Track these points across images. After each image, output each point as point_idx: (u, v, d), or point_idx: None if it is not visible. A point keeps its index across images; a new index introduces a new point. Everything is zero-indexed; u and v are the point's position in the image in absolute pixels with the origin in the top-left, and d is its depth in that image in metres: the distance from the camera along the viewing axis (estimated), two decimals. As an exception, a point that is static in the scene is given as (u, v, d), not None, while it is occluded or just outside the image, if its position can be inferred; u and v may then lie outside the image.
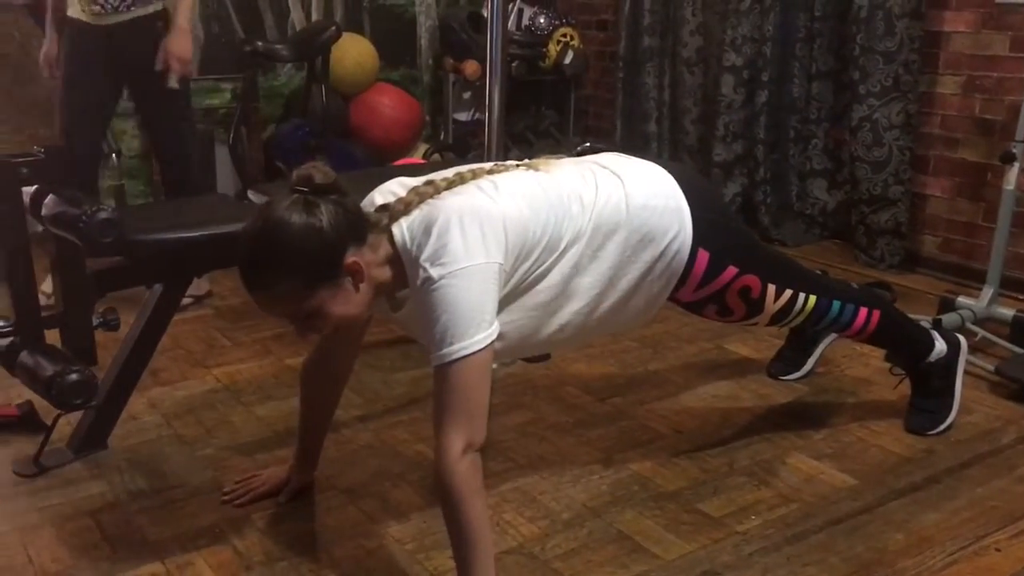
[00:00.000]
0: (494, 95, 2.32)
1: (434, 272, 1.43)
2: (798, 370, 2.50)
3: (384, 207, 1.55)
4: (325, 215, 1.43)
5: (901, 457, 2.10)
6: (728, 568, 1.69)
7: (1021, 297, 3.09)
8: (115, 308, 2.04)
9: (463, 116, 4.84)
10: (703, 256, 1.76)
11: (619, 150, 4.46)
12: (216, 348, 2.74)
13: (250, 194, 2.42)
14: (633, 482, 1.99)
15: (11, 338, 1.92)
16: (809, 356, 2.50)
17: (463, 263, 1.44)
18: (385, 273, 1.54)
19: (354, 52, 4.28)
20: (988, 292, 2.77)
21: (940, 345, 2.17)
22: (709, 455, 2.10)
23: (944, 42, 3.36)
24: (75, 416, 2.08)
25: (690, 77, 4.33)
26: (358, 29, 4.49)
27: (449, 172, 1.62)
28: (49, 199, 1.86)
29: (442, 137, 4.80)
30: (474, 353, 1.42)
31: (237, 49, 4.09)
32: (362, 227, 1.50)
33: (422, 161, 4.30)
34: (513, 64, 4.50)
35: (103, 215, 1.77)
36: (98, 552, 1.74)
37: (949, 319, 2.65)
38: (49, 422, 2.08)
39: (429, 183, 1.57)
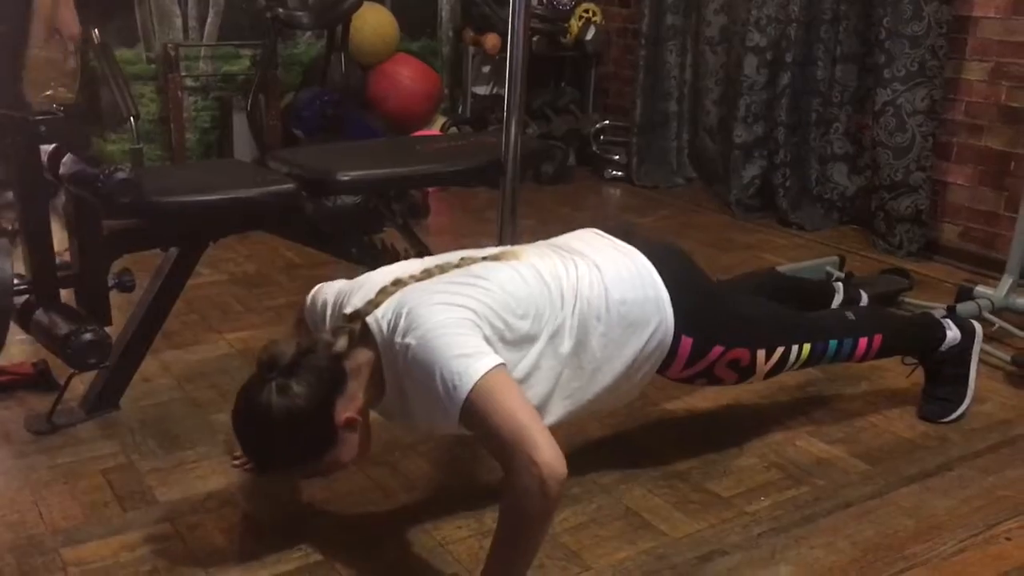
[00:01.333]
0: (514, 69, 2.30)
1: (410, 339, 1.42)
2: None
3: (355, 314, 1.53)
4: (301, 393, 1.43)
5: (913, 444, 2.09)
6: (736, 548, 1.69)
7: (1040, 288, 3.05)
8: (130, 270, 2.04)
9: (482, 90, 4.81)
10: (687, 342, 1.73)
11: (638, 128, 4.40)
12: (230, 313, 2.74)
13: (267, 160, 2.41)
14: (643, 459, 1.98)
15: (27, 296, 1.92)
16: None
17: (434, 321, 1.43)
18: (371, 389, 1.52)
19: (374, 22, 4.25)
20: (1007, 282, 2.74)
21: (953, 334, 2.15)
22: (720, 436, 2.09)
23: (972, 27, 3.31)
24: (88, 376, 2.09)
25: (712, 56, 4.29)
26: (379, -1, 4.46)
27: (416, 269, 1.60)
28: (67, 158, 1.86)
29: (460, 110, 4.77)
30: (482, 378, 1.37)
31: (257, 16, 4.08)
32: (339, 372, 1.48)
33: (439, 133, 4.29)
34: (534, 39, 4.46)
35: (121, 175, 1.77)
36: (108, 510, 1.75)
37: (966, 308, 2.63)
38: (63, 381, 2.10)
39: (396, 282, 1.55)
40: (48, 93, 3.30)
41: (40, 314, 1.91)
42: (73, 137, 1.88)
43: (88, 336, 1.83)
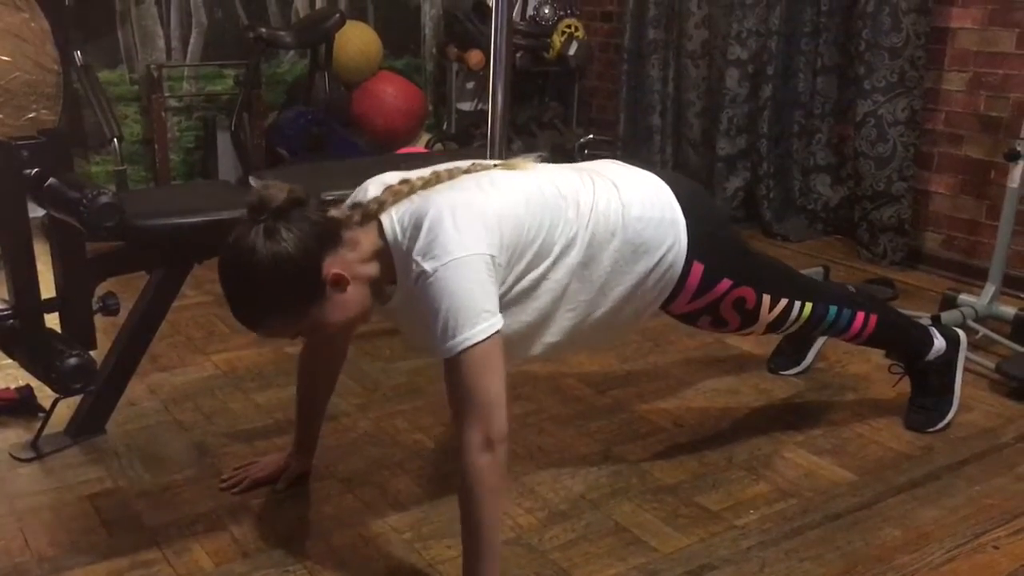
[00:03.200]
0: (498, 85, 2.31)
1: (427, 265, 1.41)
2: (798, 365, 2.49)
3: (358, 204, 1.52)
4: (289, 238, 1.39)
5: (900, 454, 2.09)
6: (726, 562, 1.69)
7: (1022, 295, 3.08)
8: (115, 293, 2.03)
9: (466, 106, 4.83)
10: (697, 269, 1.73)
11: (622, 142, 4.44)
12: (216, 335, 2.74)
13: (251, 180, 2.41)
14: (632, 474, 1.98)
15: (11, 321, 1.91)
16: (809, 351, 2.50)
17: (456, 254, 1.41)
18: (372, 268, 1.51)
19: (357, 40, 4.26)
20: (990, 290, 2.76)
21: (939, 343, 2.17)
22: (708, 449, 2.10)
23: (950, 38, 3.34)
24: (73, 401, 2.08)
25: (695, 70, 4.32)
26: (362, 17, 4.47)
27: (426, 172, 1.58)
28: (50, 182, 1.85)
29: (445, 127, 4.78)
30: (480, 342, 1.39)
31: (240, 35, 4.08)
32: (332, 232, 1.46)
33: (424, 150, 4.29)
34: (517, 54, 4.48)
35: (104, 199, 1.75)
36: (95, 537, 1.73)
37: (950, 316, 2.65)
38: (47, 406, 2.08)
39: (404, 182, 1.54)
40: (30, 116, 3.29)
41: (23, 339, 1.89)
42: (56, 160, 1.88)
43: (73, 360, 1.81)
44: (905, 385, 2.25)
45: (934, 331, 2.19)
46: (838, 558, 1.70)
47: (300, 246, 1.40)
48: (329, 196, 2.19)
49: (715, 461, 2.05)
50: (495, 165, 1.65)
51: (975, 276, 3.18)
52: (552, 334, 1.65)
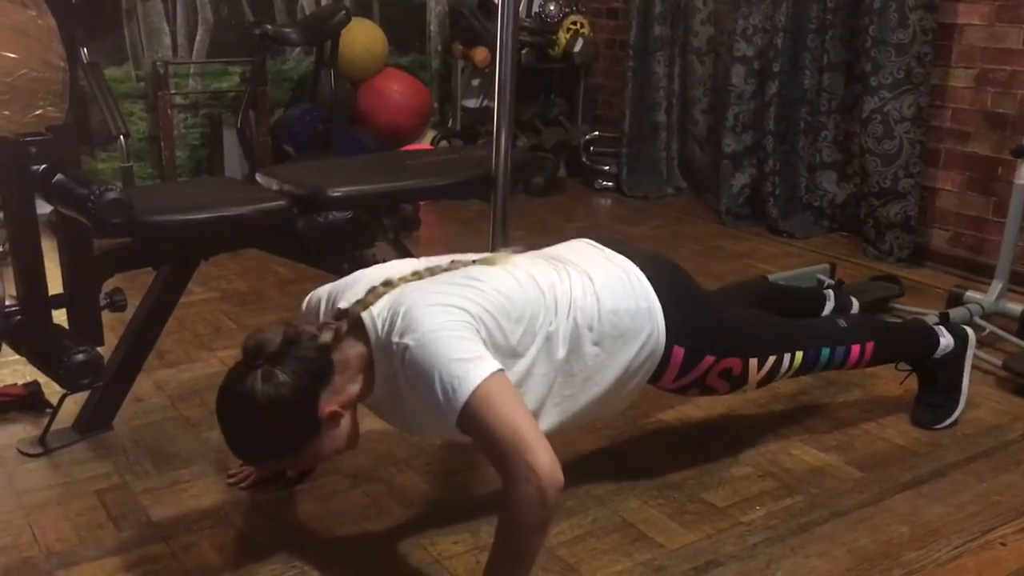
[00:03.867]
0: (503, 82, 2.31)
1: (408, 340, 1.42)
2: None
3: (344, 311, 1.54)
4: (286, 383, 1.41)
5: (907, 450, 2.09)
6: (732, 558, 1.69)
7: (1030, 292, 3.07)
8: (122, 289, 2.04)
9: (472, 103, 4.83)
10: (678, 352, 1.73)
11: (627, 138, 4.42)
12: (222, 331, 2.74)
13: (257, 177, 2.41)
14: (638, 471, 1.98)
15: (18, 317, 1.92)
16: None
17: (433, 324, 1.42)
18: (358, 384, 1.52)
19: (363, 37, 4.26)
20: (997, 287, 2.75)
21: (946, 340, 2.16)
22: (714, 445, 2.10)
23: (957, 34, 3.33)
24: (81, 396, 2.08)
25: (700, 67, 4.32)
26: (367, 14, 4.48)
27: (407, 270, 1.60)
28: (58, 178, 1.86)
29: (450, 124, 4.78)
30: (481, 384, 1.37)
31: (246, 32, 4.09)
32: (325, 364, 1.47)
33: (430, 147, 4.30)
34: (523, 51, 4.48)
35: (112, 195, 1.76)
36: (103, 532, 1.74)
37: (957, 313, 2.64)
38: (55, 402, 2.09)
39: (387, 283, 1.55)
40: (37, 113, 3.30)
41: (31, 335, 1.90)
42: (63, 157, 1.88)
43: (80, 356, 1.82)
44: (912, 382, 2.25)
45: (942, 329, 2.18)
46: (844, 555, 1.70)
47: (297, 390, 1.43)
48: (336, 192, 2.20)
49: (721, 458, 2.05)
50: (473, 262, 1.66)
51: (982, 273, 3.17)
52: (541, 426, 1.60)
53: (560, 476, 1.34)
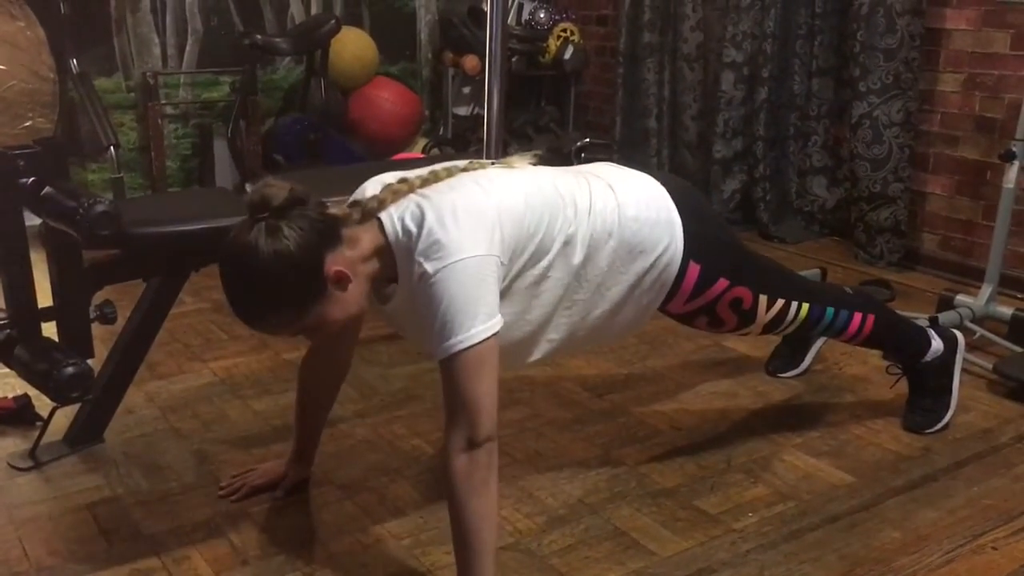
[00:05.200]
0: (494, 90, 2.32)
1: (429, 267, 1.41)
2: (796, 367, 2.50)
3: (357, 202, 1.53)
4: (291, 236, 1.39)
5: (898, 455, 2.10)
6: (725, 565, 1.69)
7: (1020, 296, 3.09)
8: (112, 301, 2.03)
9: (462, 111, 4.83)
10: (694, 269, 1.74)
11: (618, 145, 4.44)
12: (213, 342, 2.73)
13: (248, 187, 2.41)
14: (630, 478, 1.98)
15: (7, 330, 1.91)
16: (807, 353, 2.50)
17: (458, 256, 1.41)
18: (373, 265, 1.50)
19: (353, 46, 4.27)
20: (987, 290, 2.76)
21: (937, 344, 2.17)
22: (706, 452, 2.10)
23: (945, 39, 3.35)
24: (71, 409, 2.07)
25: (690, 73, 4.33)
26: (357, 23, 4.48)
27: (424, 171, 1.58)
28: (46, 191, 1.85)
29: (441, 132, 4.79)
30: (475, 345, 1.40)
31: (236, 42, 4.09)
32: (333, 229, 1.46)
33: (421, 156, 4.30)
34: (513, 59, 4.49)
35: (101, 208, 1.76)
36: (94, 546, 1.73)
37: (947, 317, 2.65)
38: (45, 415, 2.08)
39: (403, 181, 1.54)
40: (27, 124, 3.30)
41: (21, 348, 1.89)
42: (52, 169, 1.88)
43: (70, 369, 1.82)
44: (903, 386, 2.25)
45: (932, 332, 2.19)
46: (837, 561, 1.70)
47: (302, 244, 1.40)
48: (328, 202, 2.19)
49: (713, 464, 2.05)
50: (492, 164, 1.65)
51: (972, 277, 3.19)
52: (551, 333, 1.66)
53: (494, 439, 1.42)
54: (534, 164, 1.69)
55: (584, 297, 1.65)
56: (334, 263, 1.44)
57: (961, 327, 2.60)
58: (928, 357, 2.17)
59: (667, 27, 4.38)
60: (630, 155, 4.56)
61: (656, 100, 4.49)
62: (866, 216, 3.55)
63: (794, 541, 1.76)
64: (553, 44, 4.69)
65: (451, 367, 1.41)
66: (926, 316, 2.65)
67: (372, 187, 1.57)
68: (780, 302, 1.88)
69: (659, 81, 4.46)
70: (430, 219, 1.44)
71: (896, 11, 3.32)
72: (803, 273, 3.09)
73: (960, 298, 2.79)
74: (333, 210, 1.49)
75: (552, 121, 4.87)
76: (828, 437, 2.18)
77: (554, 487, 1.94)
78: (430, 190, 1.51)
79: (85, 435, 2.09)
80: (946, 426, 2.19)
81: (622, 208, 1.65)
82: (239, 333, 2.80)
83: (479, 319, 1.41)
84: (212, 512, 1.84)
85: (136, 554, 1.70)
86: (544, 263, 1.57)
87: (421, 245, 1.43)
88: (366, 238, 1.49)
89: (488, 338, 1.41)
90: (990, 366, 2.45)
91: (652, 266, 1.69)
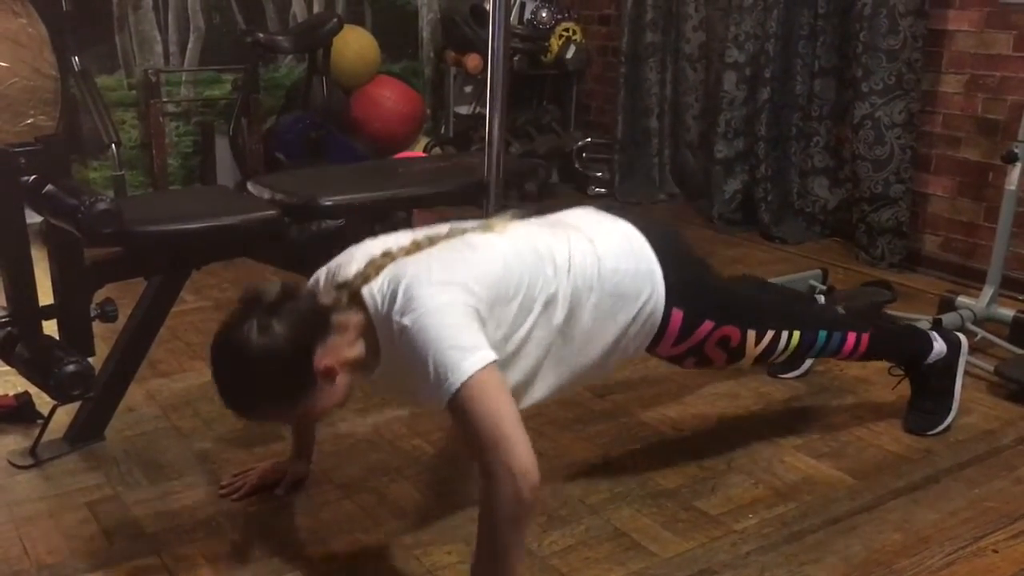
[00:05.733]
0: (496, 89, 2.31)
1: (407, 320, 1.41)
2: (797, 369, 2.49)
3: (344, 283, 1.53)
4: (282, 333, 1.40)
5: (899, 457, 2.09)
6: (725, 567, 1.69)
7: (1021, 297, 3.08)
8: (113, 299, 2.03)
9: (464, 110, 4.83)
10: (677, 315, 1.73)
11: (620, 145, 4.43)
12: (214, 340, 2.73)
13: (249, 186, 2.41)
14: (631, 479, 1.98)
15: (8, 328, 1.91)
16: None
17: (434, 303, 1.42)
18: (358, 349, 1.51)
19: (355, 44, 4.26)
20: (988, 292, 2.76)
21: (939, 346, 2.17)
22: (707, 453, 2.09)
23: (948, 41, 3.35)
24: (72, 407, 2.07)
25: (692, 73, 4.33)
26: (360, 21, 4.48)
27: (406, 241, 1.59)
28: (48, 188, 1.85)
29: (443, 130, 4.78)
30: (473, 375, 1.37)
31: (238, 40, 4.09)
32: (323, 322, 1.46)
33: (423, 154, 4.30)
34: (515, 58, 4.49)
35: (102, 206, 1.75)
36: (94, 544, 1.73)
37: (949, 319, 2.65)
38: (46, 413, 2.08)
39: (386, 254, 1.54)
40: (28, 122, 3.30)
41: (21, 346, 1.89)
42: (53, 166, 1.88)
43: (71, 367, 1.81)
44: (904, 388, 2.25)
45: (935, 335, 2.19)
46: (837, 562, 1.70)
47: (293, 341, 1.41)
48: (328, 201, 2.20)
49: (714, 465, 2.05)
50: (472, 228, 1.66)
51: (973, 278, 3.18)
52: (538, 390, 1.64)
53: (536, 475, 1.35)
54: (516, 219, 1.70)
55: (569, 354, 1.64)
56: (323, 358, 1.45)
57: (962, 329, 2.60)
58: (931, 359, 2.16)
59: (669, 27, 4.38)
60: (632, 155, 4.56)
61: (658, 100, 4.49)
62: (868, 217, 3.55)
63: (795, 542, 1.76)
64: (555, 43, 4.68)
65: (459, 405, 1.38)
66: (928, 318, 2.65)
67: (357, 262, 1.57)
68: (769, 334, 1.87)
69: (661, 81, 4.46)
70: (406, 281, 1.46)
71: (899, 12, 3.32)
72: (804, 274, 3.09)
73: (961, 300, 2.79)
74: (323, 299, 1.49)
75: (554, 120, 4.87)
76: (829, 439, 2.18)
77: (554, 487, 1.94)
78: (410, 259, 1.53)
79: (86, 433, 2.09)
80: (948, 428, 2.19)
81: (601, 261, 1.65)
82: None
83: (468, 352, 1.39)
84: (213, 511, 1.84)
85: (136, 552, 1.70)
86: (527, 325, 1.55)
87: (398, 305, 1.43)
88: (353, 321, 1.50)
89: (485, 366, 1.39)
90: (992, 368, 2.44)
91: (635, 317, 1.69)
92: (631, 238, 1.71)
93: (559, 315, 1.59)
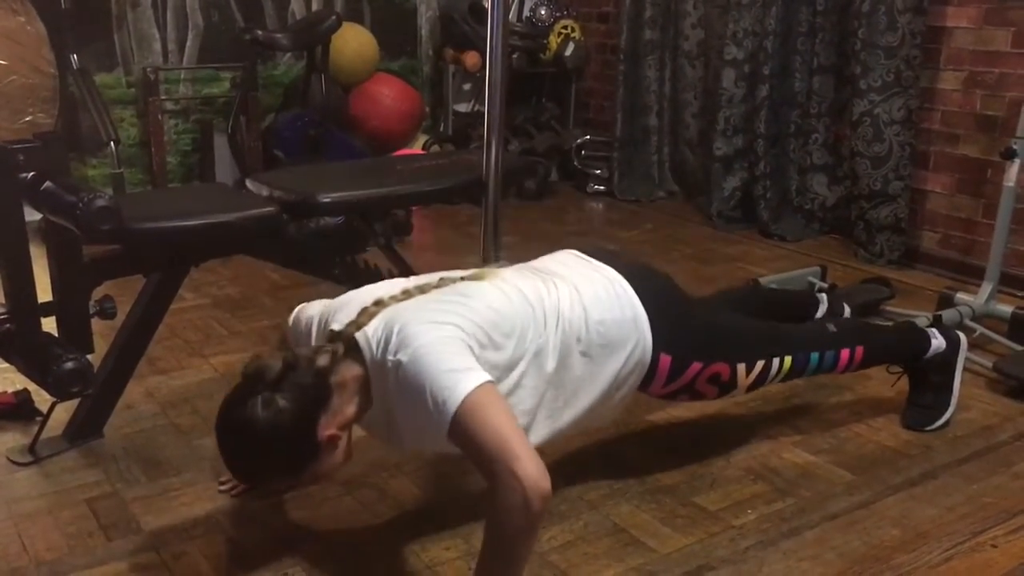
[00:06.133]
0: (494, 87, 2.31)
1: (402, 355, 1.43)
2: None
3: (338, 334, 1.54)
4: (286, 409, 1.43)
5: (898, 452, 2.09)
6: (724, 562, 1.69)
7: (1020, 294, 3.08)
8: (112, 296, 2.03)
9: (463, 107, 4.83)
10: (665, 360, 1.74)
11: (619, 142, 4.42)
12: (213, 337, 2.73)
13: (248, 183, 2.41)
14: (630, 475, 1.98)
15: (7, 325, 1.91)
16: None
17: (428, 336, 1.44)
18: (355, 404, 1.52)
19: (354, 42, 4.26)
20: (987, 289, 2.76)
21: (938, 342, 2.17)
22: (706, 449, 2.10)
23: (946, 37, 3.35)
24: (71, 404, 2.07)
25: (691, 70, 4.33)
26: (358, 19, 4.48)
27: (397, 290, 1.61)
28: (46, 185, 1.85)
29: (442, 128, 4.78)
30: (469, 394, 1.38)
31: (237, 38, 4.08)
32: (324, 389, 1.48)
33: (421, 152, 4.30)
34: (514, 56, 4.49)
35: (100, 202, 1.75)
36: (93, 540, 1.73)
37: (947, 315, 2.65)
38: (45, 410, 2.08)
39: (378, 303, 1.56)
40: (27, 119, 3.29)
41: (20, 343, 1.89)
42: (52, 164, 1.87)
43: (70, 364, 1.81)
44: (903, 384, 2.25)
45: (933, 331, 2.19)
46: (836, 558, 1.70)
47: (297, 416, 1.44)
48: (327, 198, 2.19)
49: (713, 461, 2.05)
50: (461, 278, 1.67)
51: (972, 275, 3.18)
52: (532, 439, 1.61)
53: (546, 484, 1.34)
54: (505, 268, 1.72)
55: (562, 404, 1.65)
56: (326, 427, 1.47)
57: (961, 325, 2.61)
58: (929, 355, 2.16)
59: (668, 24, 4.38)
60: (631, 153, 4.56)
61: (657, 97, 4.49)
62: (866, 214, 3.55)
63: (793, 538, 1.76)
64: (554, 41, 4.68)
65: (459, 426, 1.38)
66: (927, 315, 2.65)
67: (350, 310, 1.58)
68: (760, 364, 1.88)
69: (660, 78, 4.46)
70: (400, 323, 1.48)
71: (897, 9, 3.32)
72: (803, 271, 3.10)
73: (960, 296, 2.79)
74: (321, 361, 1.49)
75: (553, 118, 4.87)
76: (828, 434, 2.18)
77: (554, 483, 1.93)
78: (402, 304, 1.55)
79: (85, 430, 2.09)
80: (946, 424, 2.19)
81: (588, 312, 1.65)
82: (239, 329, 2.80)
83: (462, 375, 1.40)
84: (212, 508, 1.84)
85: (135, 549, 1.71)
86: (516, 372, 1.56)
87: (392, 344, 1.45)
88: (350, 377, 1.51)
89: (478, 386, 1.39)
90: (990, 364, 2.44)
91: (624, 364, 1.69)
92: (616, 285, 1.72)
93: (550, 364, 1.60)
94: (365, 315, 1.55)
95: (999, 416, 2.27)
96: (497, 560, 1.41)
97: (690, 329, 1.82)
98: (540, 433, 1.63)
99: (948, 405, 2.20)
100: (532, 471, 1.34)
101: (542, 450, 1.41)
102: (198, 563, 1.67)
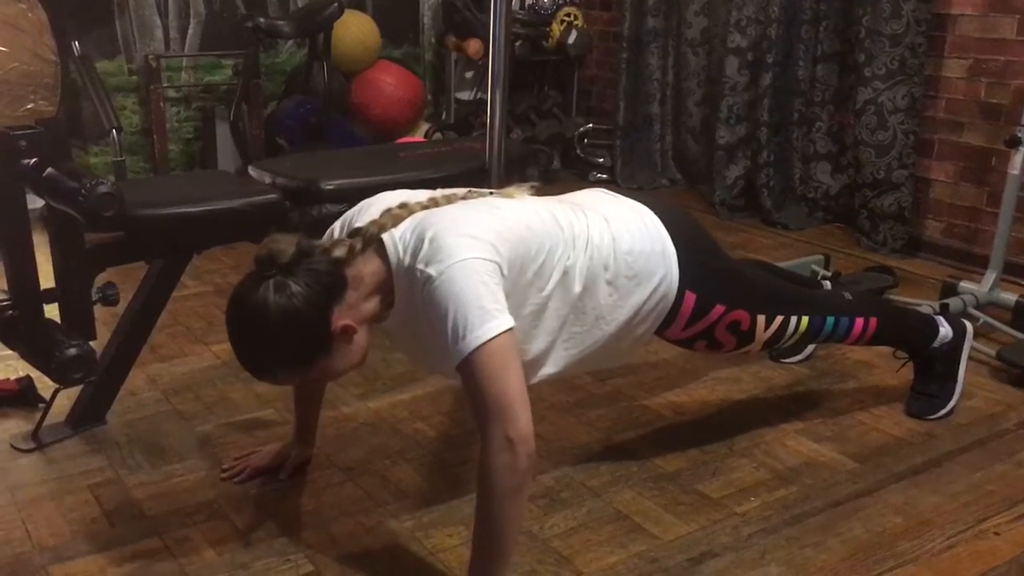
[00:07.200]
0: (497, 74, 2.31)
1: (432, 270, 1.40)
2: (799, 353, 2.49)
3: (357, 231, 1.52)
4: (298, 294, 1.39)
5: (901, 440, 2.09)
6: (727, 549, 1.69)
7: (1023, 282, 3.08)
8: (114, 283, 2.03)
9: (465, 95, 4.81)
10: (690, 298, 1.73)
11: (621, 131, 4.41)
12: (216, 325, 2.73)
13: (251, 170, 2.40)
14: (632, 462, 1.98)
15: (10, 312, 1.91)
16: (810, 339, 2.49)
17: (461, 256, 1.41)
18: (374, 303, 1.50)
19: (356, 29, 4.25)
20: (991, 277, 2.76)
21: (944, 330, 2.16)
22: (709, 437, 2.10)
23: (951, 25, 3.33)
24: (74, 391, 2.08)
25: (694, 58, 4.31)
26: (360, 6, 4.46)
27: (423, 196, 1.58)
28: (48, 172, 1.84)
29: (444, 116, 4.77)
30: (491, 339, 1.37)
31: (238, 25, 4.07)
32: (338, 278, 1.45)
33: (423, 140, 4.29)
34: (516, 43, 4.47)
35: (103, 189, 1.75)
36: (96, 527, 1.74)
37: (951, 304, 2.65)
38: (48, 397, 2.08)
39: (403, 206, 1.54)
40: (28, 107, 3.29)
41: (23, 330, 1.89)
42: (54, 150, 1.87)
43: (72, 351, 1.81)
44: (907, 372, 2.25)
45: (940, 319, 2.19)
46: (839, 545, 1.70)
47: (310, 301, 1.40)
48: (329, 185, 2.19)
49: (716, 449, 2.05)
50: (491, 193, 1.65)
51: (976, 263, 3.18)
52: (550, 365, 1.65)
53: (532, 445, 1.36)
54: (532, 194, 1.69)
55: (582, 331, 1.64)
56: (340, 317, 1.44)
57: (965, 314, 2.60)
58: (936, 343, 2.16)
59: (671, 12, 4.36)
60: (634, 141, 4.55)
61: (660, 85, 4.47)
62: (870, 203, 3.54)
63: (796, 525, 1.76)
64: (556, 28, 4.66)
65: (471, 366, 1.37)
66: (932, 303, 2.64)
67: (372, 211, 1.56)
68: (779, 319, 1.87)
69: (663, 66, 4.44)
70: (432, 231, 1.44)
71: (902, -4, 3.30)
72: (806, 259, 3.09)
73: (964, 285, 2.79)
74: (337, 252, 1.47)
75: (555, 106, 4.85)
76: (831, 422, 2.18)
77: (556, 470, 1.94)
78: (432, 211, 1.52)
79: (87, 417, 2.09)
80: (950, 413, 2.19)
81: (617, 242, 1.65)
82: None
83: (490, 315, 1.38)
84: (214, 494, 1.85)
85: (138, 535, 1.71)
86: (545, 292, 1.56)
87: (423, 253, 1.42)
88: (367, 272, 1.49)
89: (503, 332, 1.38)
90: (994, 353, 2.44)
91: (648, 298, 1.69)
92: (647, 220, 1.71)
93: (576, 288, 1.59)
94: (389, 216, 1.51)
95: (1002, 404, 2.27)
96: (488, 520, 1.40)
97: (717, 271, 1.81)
98: (557, 362, 1.63)
99: (953, 394, 2.20)
100: (523, 432, 1.36)
101: (542, 429, 1.40)
102: (201, 549, 1.67)
